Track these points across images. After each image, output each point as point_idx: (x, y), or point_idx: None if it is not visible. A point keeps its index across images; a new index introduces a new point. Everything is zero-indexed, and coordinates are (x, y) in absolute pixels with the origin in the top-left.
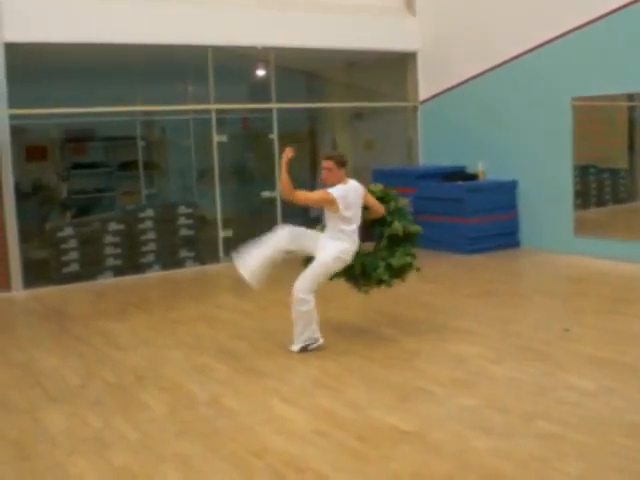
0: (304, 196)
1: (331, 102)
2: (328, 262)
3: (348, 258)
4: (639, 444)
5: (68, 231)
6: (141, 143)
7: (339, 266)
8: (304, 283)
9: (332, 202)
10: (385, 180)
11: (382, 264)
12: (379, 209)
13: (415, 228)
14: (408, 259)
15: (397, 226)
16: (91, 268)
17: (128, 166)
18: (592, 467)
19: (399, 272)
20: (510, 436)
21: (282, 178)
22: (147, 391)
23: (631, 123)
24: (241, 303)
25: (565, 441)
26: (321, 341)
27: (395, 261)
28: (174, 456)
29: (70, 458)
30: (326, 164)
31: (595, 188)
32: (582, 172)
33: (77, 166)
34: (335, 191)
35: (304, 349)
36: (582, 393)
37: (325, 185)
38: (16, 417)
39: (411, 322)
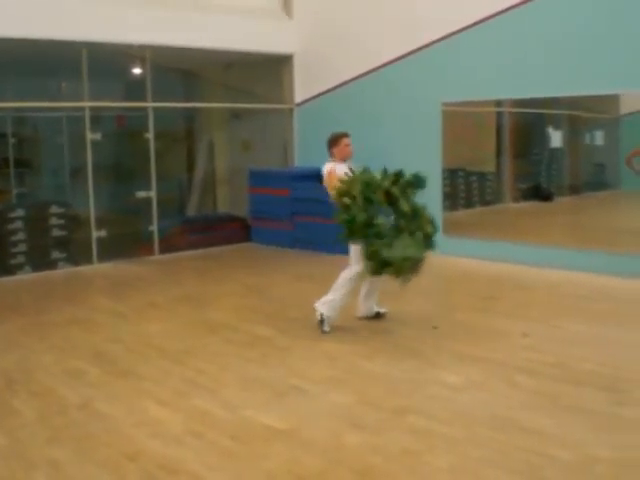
0: None
1: (208, 102)
2: None
3: None
4: (505, 436)
5: None
6: (12, 140)
7: None
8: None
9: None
10: (261, 181)
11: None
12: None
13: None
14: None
15: (404, 205)
16: None
17: None
18: (461, 460)
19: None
20: (382, 431)
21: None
22: (17, 396)
23: (499, 128)
24: (115, 305)
25: (435, 435)
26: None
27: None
28: (45, 462)
29: None
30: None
31: (463, 190)
32: (451, 175)
33: None
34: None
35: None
36: (451, 388)
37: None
38: None
39: (286, 321)
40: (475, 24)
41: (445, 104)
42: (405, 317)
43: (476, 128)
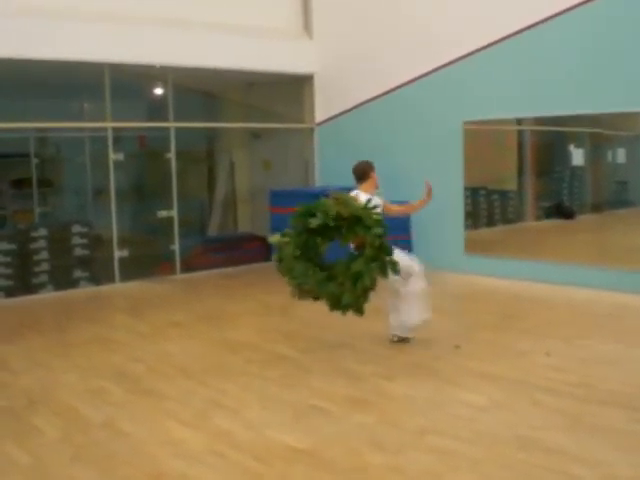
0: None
1: (229, 122)
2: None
3: None
4: (529, 457)
5: None
6: (35, 160)
7: None
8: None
9: None
10: (282, 201)
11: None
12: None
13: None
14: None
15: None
16: None
17: (21, 184)
18: None
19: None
20: (403, 452)
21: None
22: (40, 415)
23: (520, 146)
24: (137, 324)
25: (457, 455)
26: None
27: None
28: None
29: None
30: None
31: (485, 209)
32: (473, 193)
33: None
34: None
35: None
36: (473, 408)
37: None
38: None
39: (307, 340)
40: (495, 42)
41: (466, 123)
42: (427, 336)
43: (497, 146)
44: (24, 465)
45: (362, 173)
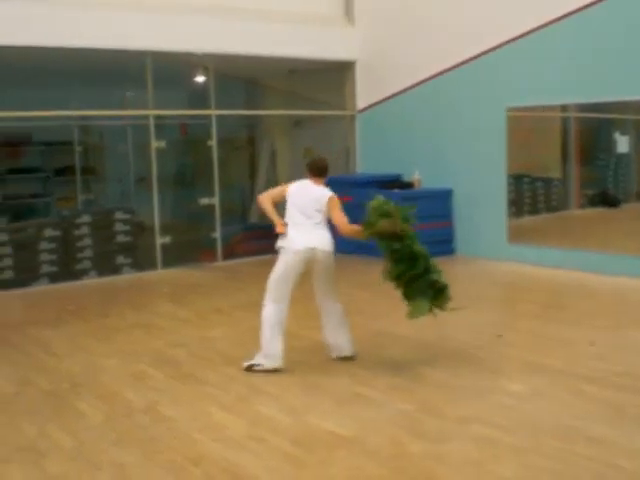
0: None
1: (270, 109)
2: (279, 267)
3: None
4: (571, 446)
5: (2, 237)
6: (78, 148)
7: (295, 265)
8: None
9: None
10: None
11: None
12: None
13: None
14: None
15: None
16: (26, 274)
17: (65, 171)
18: (526, 469)
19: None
20: (445, 440)
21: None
22: (83, 399)
23: (564, 133)
24: (179, 310)
25: (499, 444)
26: (266, 366)
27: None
28: (110, 464)
29: (5, 467)
30: None
31: (529, 197)
32: (516, 181)
33: (12, 171)
34: None
35: (248, 368)
36: (516, 397)
37: None
38: None
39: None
40: (540, 28)
41: (510, 109)
42: (469, 325)
43: (541, 133)
44: (67, 448)
45: (326, 169)
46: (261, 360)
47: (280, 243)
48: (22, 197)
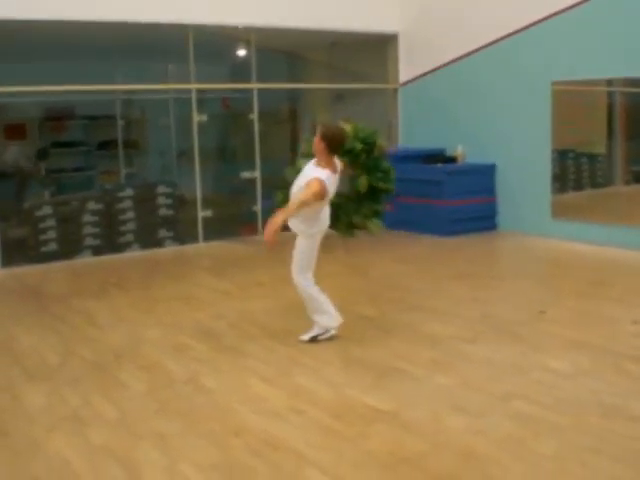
0: (301, 202)
1: (312, 83)
2: (303, 246)
3: (323, 229)
4: (614, 425)
5: (46, 210)
6: (121, 122)
7: (318, 240)
8: (293, 267)
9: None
10: None
11: (344, 218)
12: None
13: (385, 186)
14: (369, 222)
15: (362, 181)
16: (69, 247)
17: (107, 145)
18: (567, 447)
19: (358, 228)
20: (485, 415)
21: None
22: (125, 369)
23: (610, 108)
24: (220, 283)
25: (540, 421)
26: (332, 332)
27: (357, 219)
28: (152, 434)
29: (48, 436)
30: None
31: (573, 172)
32: (560, 156)
33: (56, 144)
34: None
35: (313, 339)
36: (558, 374)
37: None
38: None
39: (388, 302)
40: (586, 0)
41: (555, 83)
42: (511, 301)
43: (587, 108)
44: (111, 418)
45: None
46: (323, 327)
47: None
48: (65, 170)
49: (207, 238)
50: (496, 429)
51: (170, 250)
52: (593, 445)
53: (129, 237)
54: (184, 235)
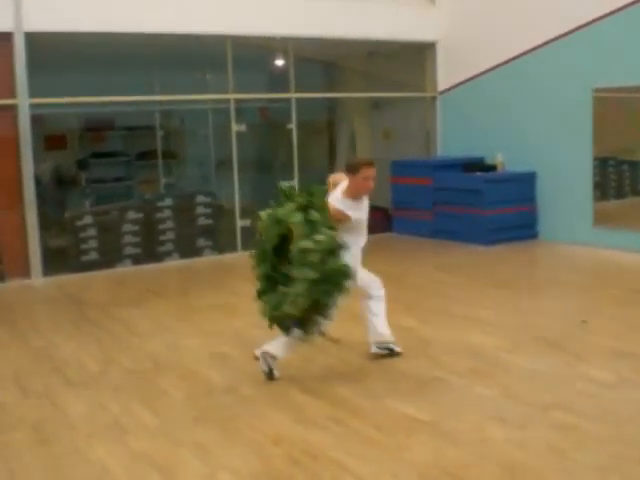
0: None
1: (350, 92)
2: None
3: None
4: None
5: (87, 219)
6: (160, 132)
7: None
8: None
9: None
10: (403, 171)
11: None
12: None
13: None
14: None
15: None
16: (110, 256)
17: (147, 155)
18: (610, 458)
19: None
20: (527, 426)
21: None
22: (165, 377)
23: None
24: None
25: (583, 432)
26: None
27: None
28: (192, 442)
29: (89, 443)
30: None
31: (614, 180)
32: (601, 164)
33: (96, 155)
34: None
35: (391, 353)
36: (600, 385)
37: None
38: (35, 402)
39: (428, 311)
40: (628, 5)
41: (596, 90)
42: (552, 310)
43: (628, 115)
44: (150, 425)
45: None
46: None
47: None
48: (105, 181)
49: (245, 247)
50: (537, 440)
51: (209, 259)
52: (636, 456)
53: (168, 246)
54: (223, 244)
